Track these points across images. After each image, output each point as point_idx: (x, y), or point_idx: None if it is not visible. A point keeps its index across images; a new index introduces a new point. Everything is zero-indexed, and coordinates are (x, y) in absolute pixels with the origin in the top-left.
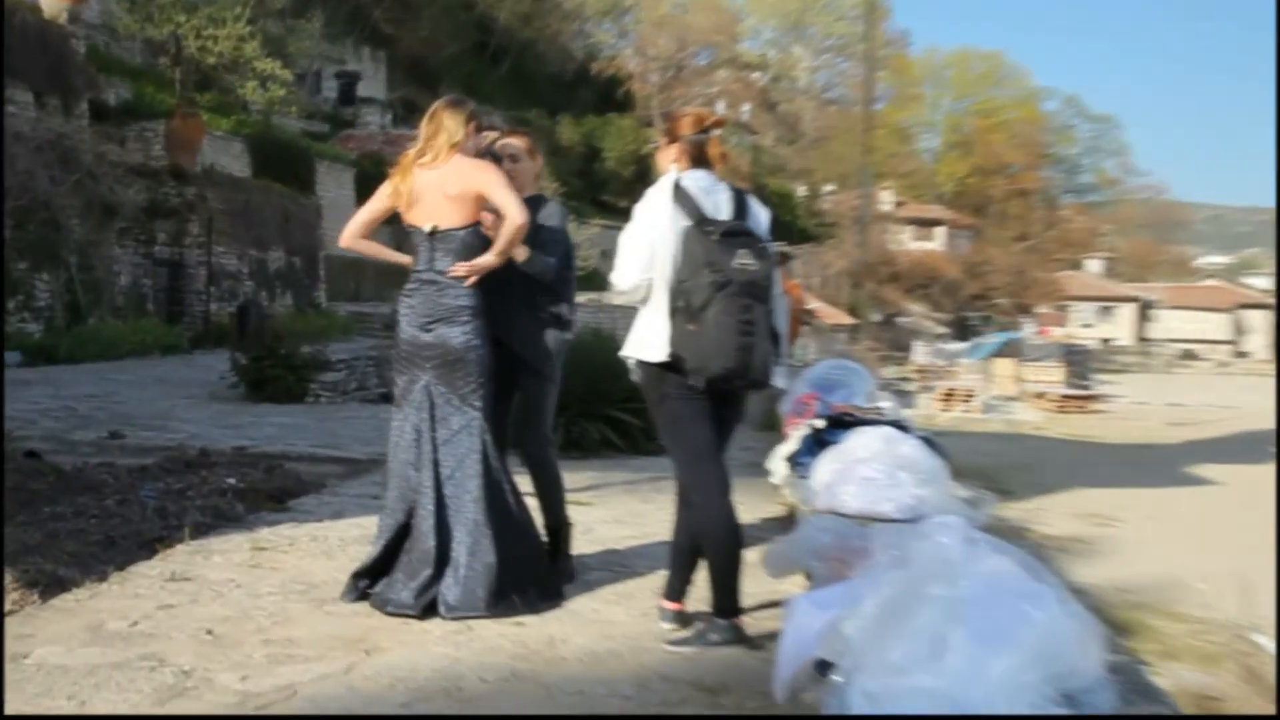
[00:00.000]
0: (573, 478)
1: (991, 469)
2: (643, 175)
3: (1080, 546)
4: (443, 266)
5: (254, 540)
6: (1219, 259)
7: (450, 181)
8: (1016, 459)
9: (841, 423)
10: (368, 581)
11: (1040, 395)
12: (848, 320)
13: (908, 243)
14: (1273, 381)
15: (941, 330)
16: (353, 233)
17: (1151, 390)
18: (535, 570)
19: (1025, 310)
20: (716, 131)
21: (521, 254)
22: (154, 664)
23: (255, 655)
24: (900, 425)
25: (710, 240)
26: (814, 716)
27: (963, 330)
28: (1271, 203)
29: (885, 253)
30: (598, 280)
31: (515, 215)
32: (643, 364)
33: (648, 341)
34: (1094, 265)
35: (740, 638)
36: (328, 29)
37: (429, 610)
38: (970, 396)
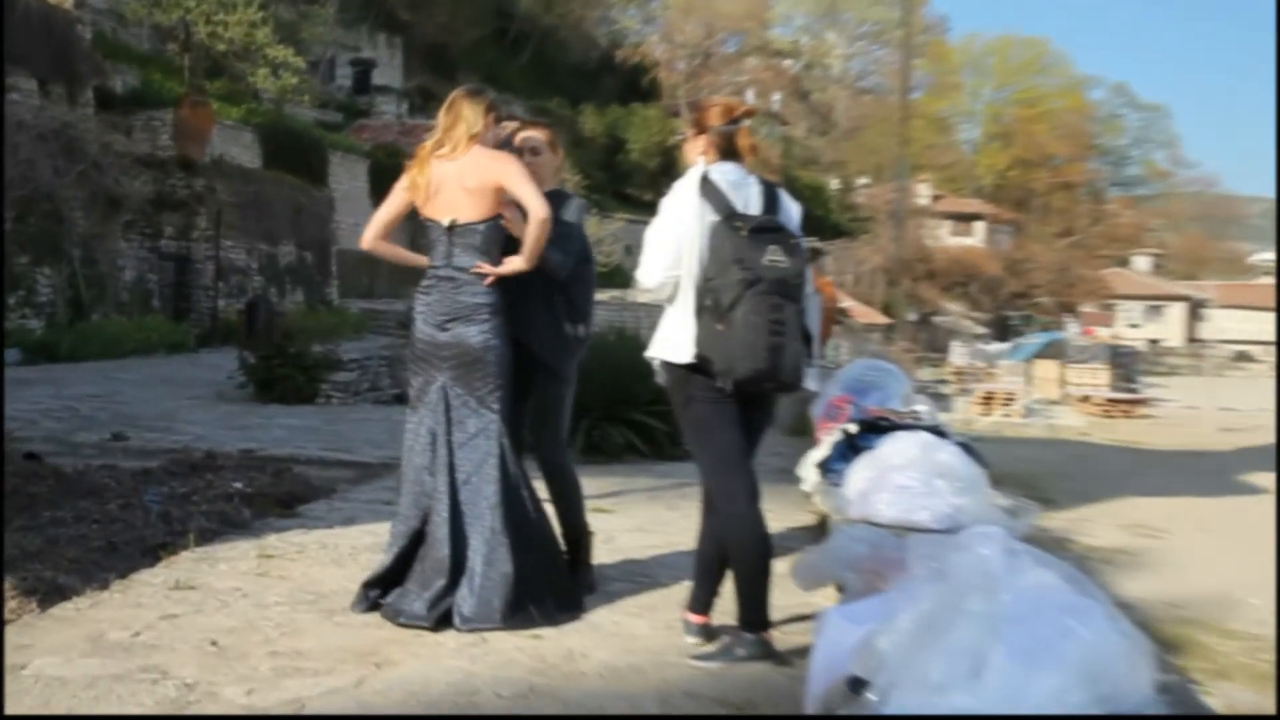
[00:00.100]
0: (594, 484)
1: (1033, 476)
2: (669, 168)
3: (1127, 559)
4: (461, 262)
5: (261, 547)
6: (1274, 256)
7: (469, 174)
8: (1059, 466)
9: (876, 427)
10: (379, 591)
11: (1084, 399)
12: (882, 320)
13: (945, 238)
14: None
15: (981, 330)
16: (374, 234)
17: (1202, 394)
18: (554, 581)
19: (1069, 309)
20: (746, 122)
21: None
22: (156, 676)
23: (261, 668)
24: (937, 430)
25: (739, 236)
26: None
27: (1003, 330)
28: None
29: (922, 249)
30: (621, 277)
31: (538, 210)
32: (668, 365)
33: (673, 342)
34: (1142, 262)
35: (768, 653)
36: (342, 15)
37: (443, 622)
38: (1011, 400)
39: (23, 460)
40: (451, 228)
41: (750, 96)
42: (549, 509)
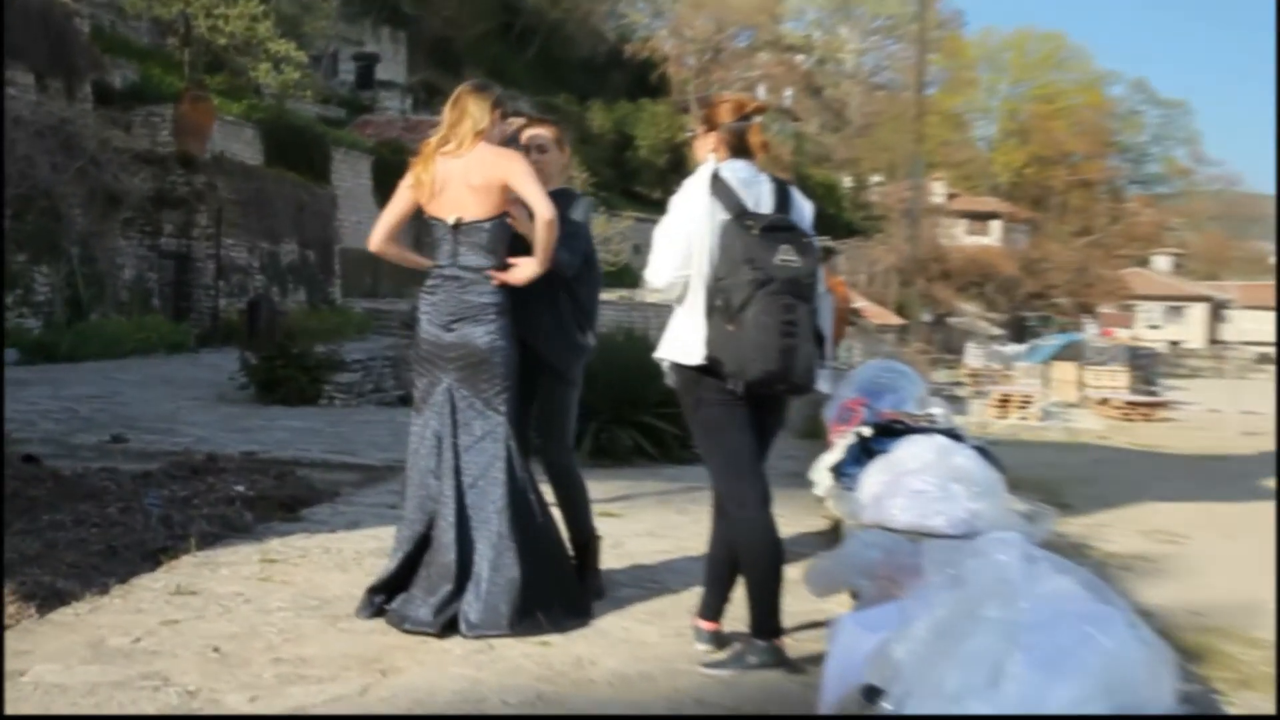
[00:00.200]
0: (602, 487)
1: (1051, 481)
2: (678, 165)
3: (1147, 565)
4: (467, 261)
5: (264, 552)
6: (1275, 256)
7: (474, 171)
8: (1078, 471)
9: (890, 431)
10: (384, 597)
11: (1103, 402)
12: (896, 320)
13: (961, 237)
14: None
15: (997, 331)
16: (382, 236)
17: (1224, 397)
18: (562, 586)
19: (1087, 310)
20: (757, 118)
21: None
22: (157, 683)
23: (264, 675)
24: (953, 434)
25: (750, 235)
26: None
27: (1020, 331)
28: None
29: (937, 248)
30: (630, 276)
31: (544, 211)
32: (677, 367)
33: (683, 343)
34: (1162, 262)
35: (781, 660)
36: (345, 8)
37: (449, 628)
38: (1028, 403)
39: (21, 463)
40: (457, 226)
41: (761, 92)
42: (555, 513)
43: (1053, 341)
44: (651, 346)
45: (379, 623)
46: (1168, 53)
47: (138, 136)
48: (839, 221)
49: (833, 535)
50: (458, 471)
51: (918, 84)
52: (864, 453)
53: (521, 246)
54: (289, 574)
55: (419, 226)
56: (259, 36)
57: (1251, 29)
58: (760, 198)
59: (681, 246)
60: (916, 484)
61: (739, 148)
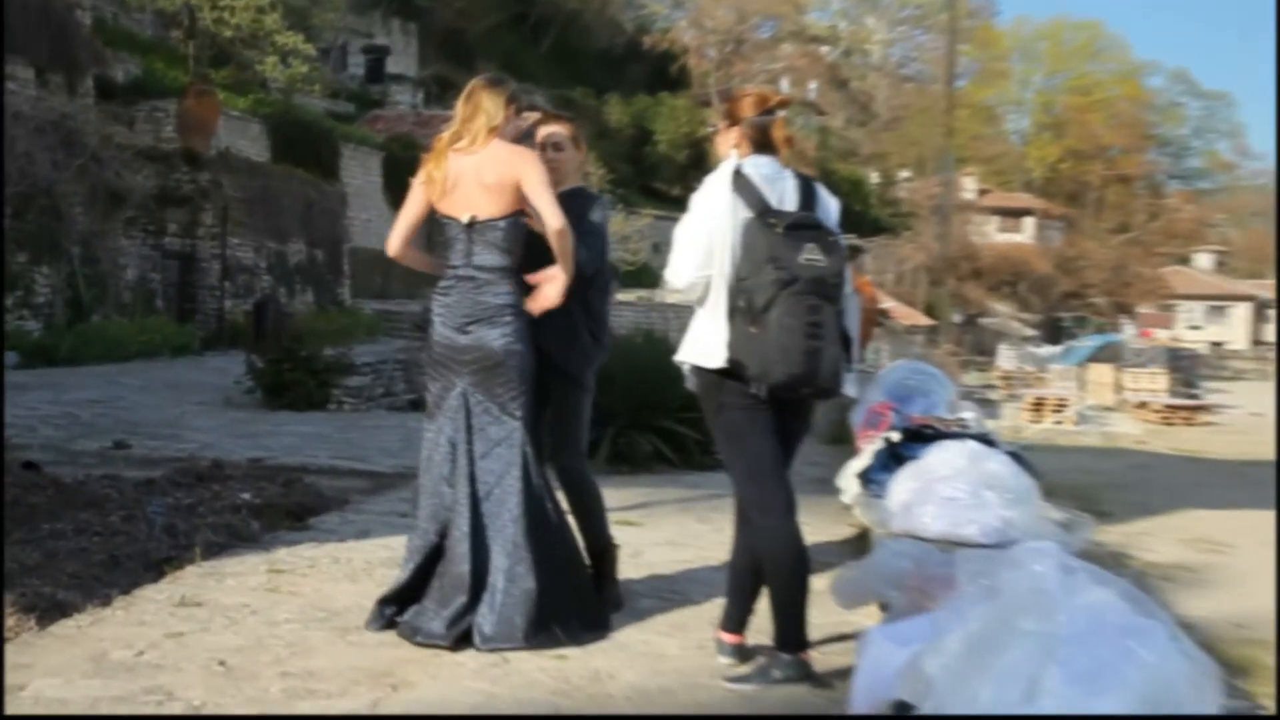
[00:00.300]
0: (621, 495)
1: (1088, 488)
2: (699, 161)
3: (1189, 576)
4: (482, 261)
5: (271, 562)
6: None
7: (487, 169)
8: (1116, 477)
9: (920, 436)
10: (395, 609)
11: (1142, 405)
12: (925, 321)
13: (993, 235)
14: None
15: (1030, 332)
16: (401, 240)
17: (1268, 400)
18: (579, 598)
19: (1125, 310)
20: (781, 113)
21: None
22: (161, 698)
23: (272, 689)
24: (986, 439)
25: (774, 233)
26: None
27: (1054, 332)
28: None
29: (967, 246)
30: (649, 276)
31: (553, 221)
32: (699, 370)
33: (704, 345)
34: (1203, 260)
35: (807, 675)
36: None
37: (462, 641)
38: (1063, 406)
39: (21, 470)
40: (471, 225)
41: (785, 85)
42: (570, 522)
43: (1089, 343)
44: (671, 349)
45: (390, 635)
46: (1210, 42)
47: (141, 132)
48: (866, 219)
49: (861, 544)
50: (472, 479)
51: (948, 76)
52: (893, 459)
53: (537, 245)
54: (297, 585)
55: (432, 225)
56: (266, 29)
57: None
58: (784, 195)
59: (703, 245)
60: (948, 491)
61: (762, 143)
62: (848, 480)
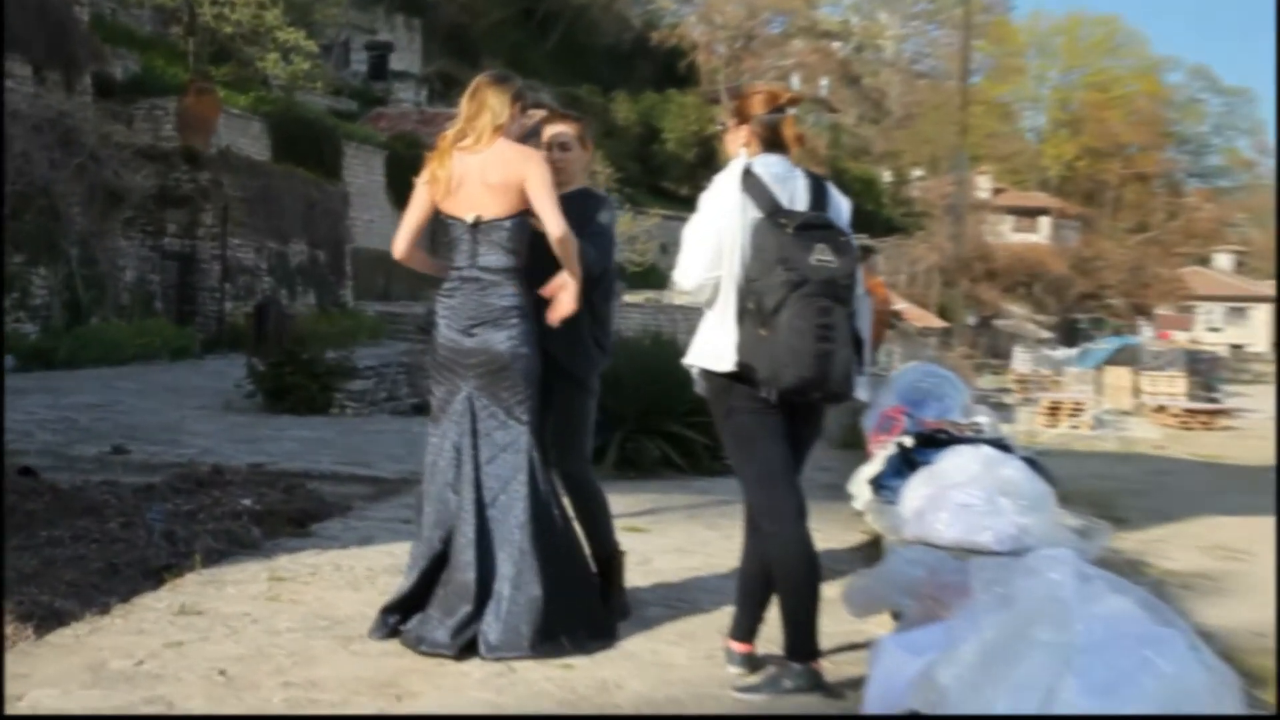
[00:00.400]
0: (628, 501)
1: (1104, 494)
2: (707, 159)
3: (1208, 584)
4: (487, 262)
5: (272, 569)
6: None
7: (492, 169)
8: (1133, 483)
9: (933, 441)
10: (399, 617)
11: (1160, 409)
12: (939, 323)
13: (1007, 235)
14: None
15: (1046, 335)
16: (407, 242)
17: None
18: (586, 606)
19: (1143, 312)
20: (792, 110)
21: None
22: (161, 709)
23: (273, 699)
24: (1000, 444)
25: (784, 234)
26: None
27: (1070, 335)
28: None
29: (982, 246)
30: (657, 277)
31: (554, 229)
32: (707, 373)
33: (713, 348)
34: (1223, 260)
35: (818, 684)
36: None
37: (467, 650)
38: (1079, 410)
39: (17, 475)
40: (476, 225)
41: (796, 82)
42: (576, 529)
43: (1106, 345)
44: (680, 351)
45: (393, 644)
46: (1230, 37)
47: (140, 131)
48: (878, 218)
49: (873, 551)
50: (478, 485)
51: (962, 72)
52: (906, 464)
53: (543, 245)
54: (298, 593)
55: (435, 226)
56: (267, 25)
57: None
58: (795, 194)
59: (711, 246)
60: (962, 497)
61: (772, 141)
62: (859, 486)
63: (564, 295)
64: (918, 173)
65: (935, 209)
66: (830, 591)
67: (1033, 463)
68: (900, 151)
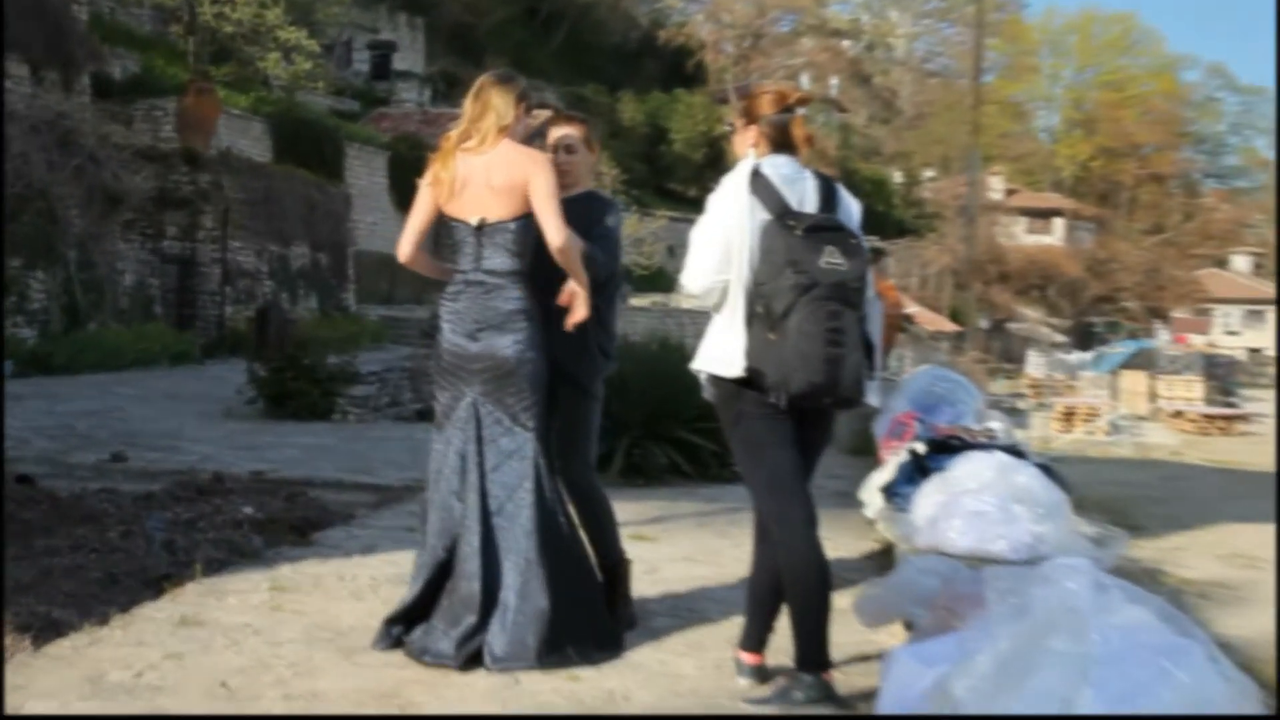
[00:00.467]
0: (635, 509)
1: (1120, 501)
2: (715, 160)
3: (1227, 593)
4: (492, 265)
5: (274, 579)
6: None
7: (496, 171)
8: (1150, 489)
9: (946, 447)
10: (402, 628)
11: (1177, 414)
12: (951, 327)
13: (1021, 236)
14: None
15: (1060, 338)
16: (412, 245)
17: None
18: (593, 616)
19: (1159, 315)
20: (801, 110)
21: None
22: None
23: (275, 711)
24: (1014, 450)
25: (793, 236)
26: None
27: (1085, 338)
28: None
29: (994, 248)
30: (664, 280)
31: (554, 239)
32: (716, 379)
33: (721, 353)
34: (1241, 262)
35: (829, 696)
36: None
37: (472, 661)
38: (1094, 416)
39: (14, 483)
40: (480, 227)
41: (805, 81)
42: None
43: (1121, 349)
44: (687, 356)
45: (397, 655)
46: (1248, 35)
47: (139, 132)
48: (889, 220)
49: (885, 560)
50: (483, 493)
51: (974, 71)
52: (918, 471)
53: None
54: (301, 603)
55: (440, 228)
56: (268, 24)
57: None
58: (804, 196)
59: (719, 249)
60: (975, 505)
61: (781, 142)
62: (871, 493)
63: (578, 303)
64: (929, 173)
65: (947, 210)
66: (841, 601)
67: (1047, 469)
68: (911, 152)
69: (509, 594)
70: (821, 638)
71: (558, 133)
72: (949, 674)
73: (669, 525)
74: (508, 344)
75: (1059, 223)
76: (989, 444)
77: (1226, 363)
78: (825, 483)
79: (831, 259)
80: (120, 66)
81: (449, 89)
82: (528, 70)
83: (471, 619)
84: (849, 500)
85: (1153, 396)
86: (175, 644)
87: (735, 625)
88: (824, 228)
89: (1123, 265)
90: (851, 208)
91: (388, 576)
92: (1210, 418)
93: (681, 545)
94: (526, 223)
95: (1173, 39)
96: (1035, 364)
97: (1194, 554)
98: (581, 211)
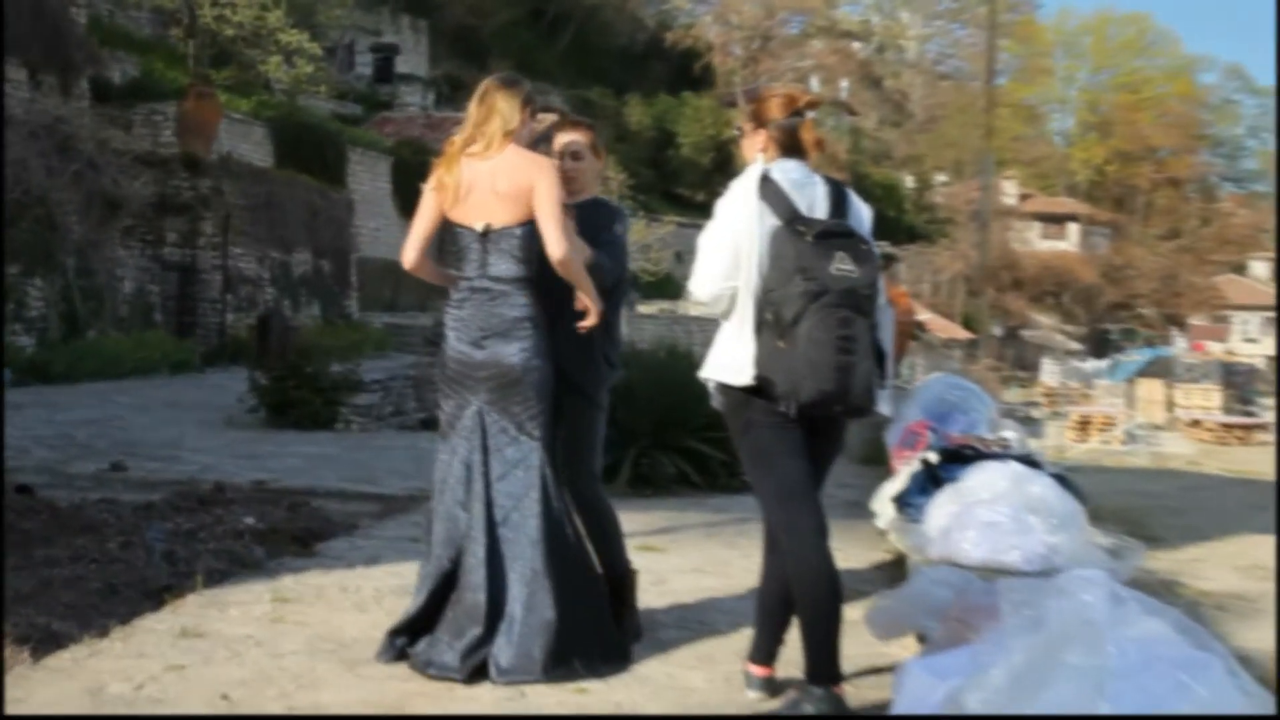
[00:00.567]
0: (643, 519)
1: (1137, 511)
2: (723, 165)
3: (1246, 605)
4: (498, 271)
5: (276, 590)
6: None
7: (501, 176)
8: (1167, 500)
9: (959, 456)
10: (407, 639)
11: (1194, 423)
12: (964, 334)
13: (1035, 242)
14: None
15: (1075, 346)
16: (418, 251)
17: None
18: (600, 628)
19: (1176, 322)
20: (810, 114)
21: (582, 254)
22: None
23: None
24: (1029, 460)
25: (803, 242)
26: None
27: (1101, 346)
28: None
29: (1008, 254)
30: (672, 287)
31: (555, 251)
32: (724, 387)
33: (730, 361)
34: (1260, 268)
35: (840, 710)
36: None
37: (477, 673)
38: (1110, 425)
39: (13, 493)
40: (485, 233)
41: (815, 84)
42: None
43: (1137, 357)
44: (695, 364)
45: (401, 668)
46: (1266, 36)
47: (138, 137)
48: (900, 225)
49: (897, 571)
50: (489, 504)
51: (987, 73)
52: (930, 481)
53: None
54: (303, 614)
55: (444, 234)
56: (269, 27)
57: None
58: (814, 201)
59: (728, 255)
60: (989, 515)
61: (790, 146)
62: (883, 503)
63: (591, 307)
64: (941, 178)
65: (959, 215)
66: (853, 613)
67: (1062, 479)
68: (923, 156)
69: (515, 605)
70: (832, 650)
71: (564, 139)
72: (962, 687)
73: (677, 536)
74: (514, 352)
75: (1074, 228)
76: (1003, 453)
77: (1245, 371)
78: (836, 493)
79: (842, 265)
80: (119, 70)
81: (453, 92)
82: (533, 73)
83: (477, 631)
84: (860, 510)
85: (1170, 405)
86: (176, 656)
87: (744, 637)
88: (834, 233)
89: (1139, 271)
90: (862, 213)
91: (392, 588)
92: (1228, 427)
93: (690, 556)
94: (532, 228)
95: (1189, 40)
96: (1050, 372)
97: (1212, 565)
98: (588, 219)
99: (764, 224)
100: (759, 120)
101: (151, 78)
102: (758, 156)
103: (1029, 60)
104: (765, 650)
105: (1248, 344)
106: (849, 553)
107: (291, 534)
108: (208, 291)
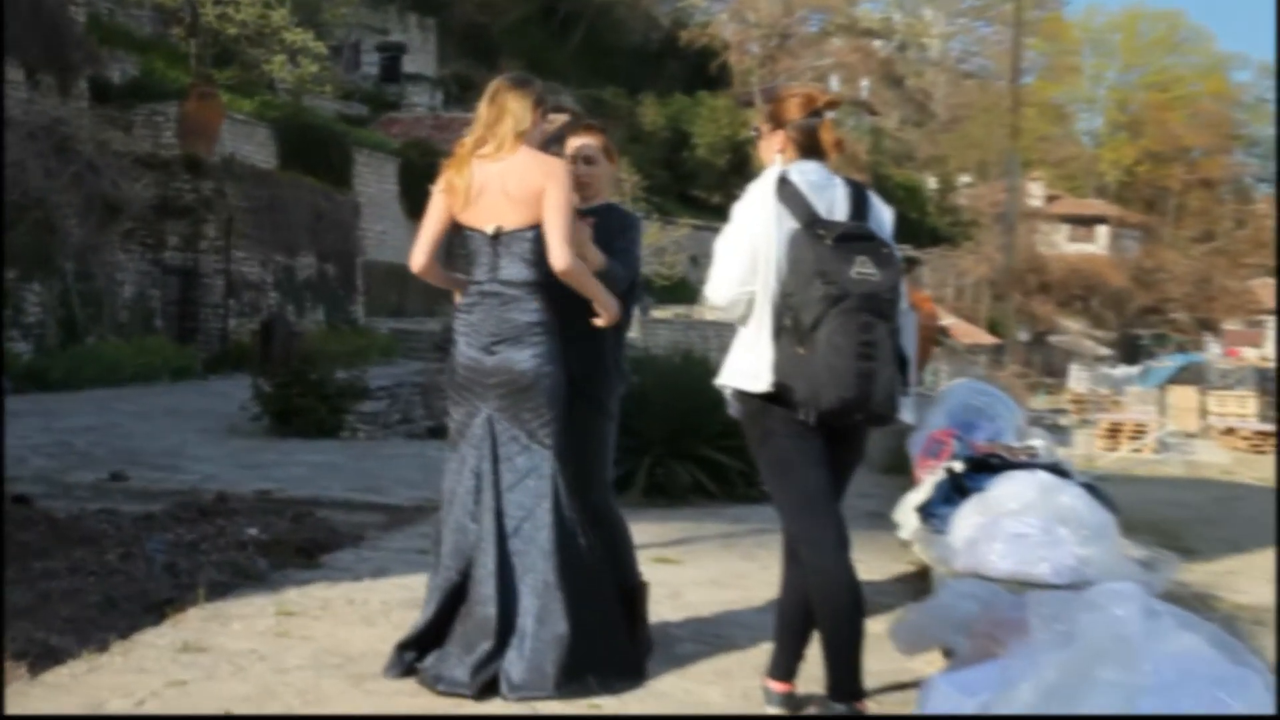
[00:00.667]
0: (658, 530)
1: (1170, 522)
2: (740, 166)
3: None
4: (509, 275)
5: (280, 603)
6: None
7: (512, 179)
8: (1201, 510)
9: (985, 466)
10: (415, 654)
11: (1229, 431)
12: (989, 340)
13: (1062, 245)
14: None
15: (1105, 352)
16: (427, 254)
17: None
18: (614, 643)
19: (1209, 327)
20: (830, 114)
21: (596, 261)
22: None
23: None
24: (1057, 469)
25: (823, 245)
26: None
27: (1131, 352)
28: None
29: (1035, 257)
30: (687, 291)
31: (558, 260)
32: (742, 394)
33: (748, 367)
34: None
35: None
36: None
37: (488, 689)
38: (1141, 433)
39: (11, 503)
40: (496, 236)
41: (835, 83)
42: None
43: (1170, 363)
44: (712, 370)
45: (409, 683)
46: None
47: (139, 138)
48: (923, 228)
49: (921, 584)
50: (499, 514)
51: (1013, 71)
52: (956, 491)
53: None
54: (308, 628)
55: (453, 237)
56: (273, 25)
57: None
58: (833, 203)
59: (745, 259)
60: (1017, 526)
61: (809, 147)
62: (906, 514)
63: (605, 310)
64: (965, 179)
65: (984, 218)
66: (876, 627)
67: (1093, 489)
68: (946, 156)
69: (526, 619)
70: (854, 665)
71: (576, 143)
72: (990, 704)
73: (693, 547)
74: (525, 358)
75: (1103, 230)
76: (1030, 462)
77: None
78: (857, 503)
79: (863, 269)
80: (119, 70)
81: (462, 92)
82: (544, 72)
83: (487, 645)
84: (883, 521)
85: (1203, 412)
86: (178, 671)
87: (763, 652)
88: (855, 237)
89: (1171, 275)
90: (883, 215)
91: (400, 600)
92: (1264, 435)
93: (707, 568)
94: (544, 231)
95: (1223, 37)
96: (1079, 378)
97: (1248, 578)
98: (601, 224)
99: (782, 227)
100: (777, 120)
101: (152, 77)
102: (776, 158)
103: (1056, 58)
104: (785, 665)
105: None
106: (871, 565)
107: (296, 545)
108: (210, 296)
